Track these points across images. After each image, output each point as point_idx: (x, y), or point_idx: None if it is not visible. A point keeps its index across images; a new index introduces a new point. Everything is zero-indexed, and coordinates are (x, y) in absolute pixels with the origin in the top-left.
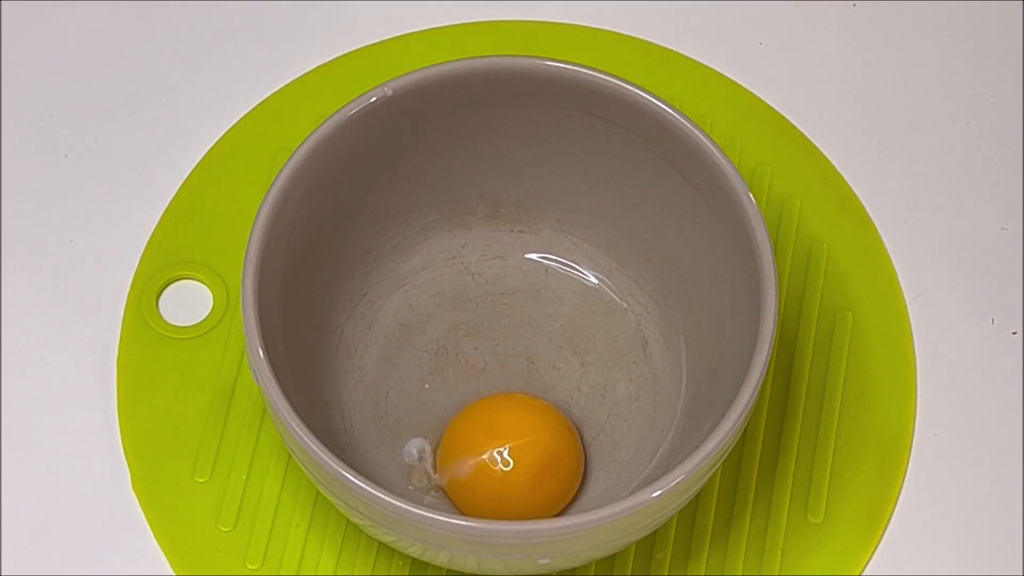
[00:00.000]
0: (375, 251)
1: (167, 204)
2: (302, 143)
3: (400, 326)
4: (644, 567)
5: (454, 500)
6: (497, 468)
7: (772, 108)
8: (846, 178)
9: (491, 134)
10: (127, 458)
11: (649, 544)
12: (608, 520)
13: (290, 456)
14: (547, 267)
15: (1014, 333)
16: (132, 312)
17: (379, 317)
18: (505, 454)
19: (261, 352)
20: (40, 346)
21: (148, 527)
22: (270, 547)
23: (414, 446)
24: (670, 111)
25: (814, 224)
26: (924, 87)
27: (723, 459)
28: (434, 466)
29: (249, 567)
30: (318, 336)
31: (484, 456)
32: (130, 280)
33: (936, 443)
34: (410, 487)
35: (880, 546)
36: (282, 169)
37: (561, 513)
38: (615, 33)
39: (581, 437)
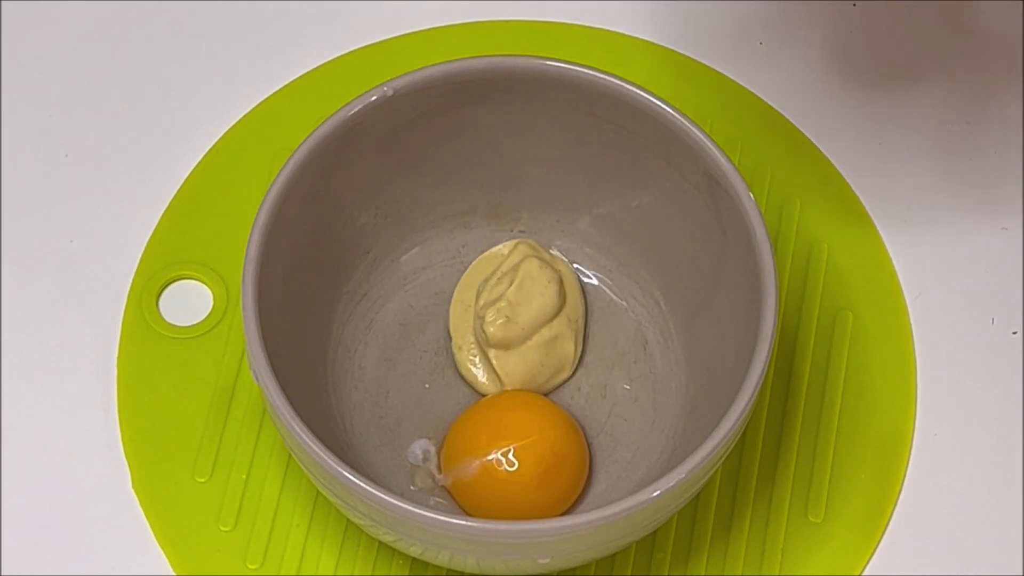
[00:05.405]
0: (375, 251)
1: (167, 204)
2: (302, 143)
3: (400, 326)
4: (644, 567)
5: (459, 501)
6: (502, 469)
7: (772, 108)
8: (846, 178)
9: (491, 134)
10: (127, 458)
11: (649, 544)
12: (608, 520)
13: (290, 456)
14: None
15: (1014, 333)
16: (132, 312)
17: (379, 317)
18: (510, 455)
19: (261, 352)
20: (40, 346)
21: (148, 527)
22: (270, 547)
23: (418, 447)
24: (670, 111)
25: (814, 224)
26: (924, 87)
27: (723, 459)
28: (438, 467)
29: (249, 567)
30: (318, 336)
31: (489, 457)
32: (130, 280)
33: (936, 443)
34: (414, 488)
35: (880, 546)
36: (282, 169)
37: (565, 513)
38: (616, 33)
39: (584, 436)
